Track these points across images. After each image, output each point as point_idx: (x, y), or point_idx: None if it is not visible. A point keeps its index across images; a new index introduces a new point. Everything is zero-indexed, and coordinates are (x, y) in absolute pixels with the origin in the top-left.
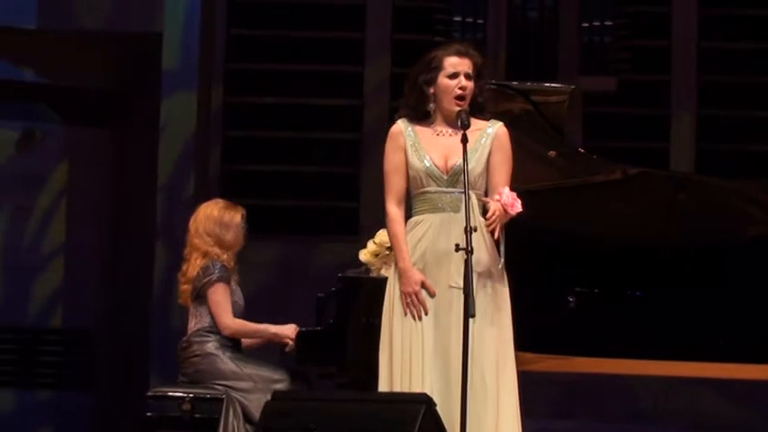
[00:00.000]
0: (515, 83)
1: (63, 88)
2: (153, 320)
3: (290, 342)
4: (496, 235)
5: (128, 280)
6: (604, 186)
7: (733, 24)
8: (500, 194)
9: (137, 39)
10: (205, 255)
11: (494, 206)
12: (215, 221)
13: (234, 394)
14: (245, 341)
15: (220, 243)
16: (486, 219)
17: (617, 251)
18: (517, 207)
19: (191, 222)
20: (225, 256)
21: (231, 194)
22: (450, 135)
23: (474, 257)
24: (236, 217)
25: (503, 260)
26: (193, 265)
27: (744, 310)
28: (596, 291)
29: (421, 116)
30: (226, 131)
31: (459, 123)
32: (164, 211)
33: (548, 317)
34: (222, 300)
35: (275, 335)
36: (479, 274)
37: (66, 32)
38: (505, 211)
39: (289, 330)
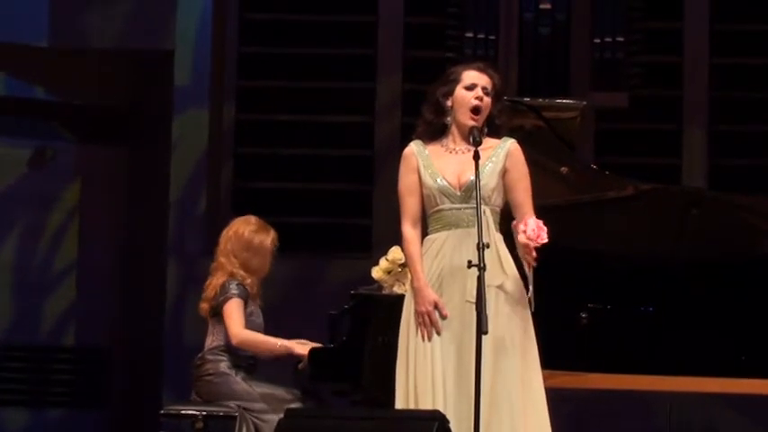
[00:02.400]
0: (527, 99)
1: (75, 106)
2: (165, 338)
3: (303, 355)
4: (528, 270)
5: (140, 298)
6: (617, 202)
7: (745, 40)
8: (525, 225)
9: (148, 56)
10: (230, 275)
11: (522, 243)
12: (244, 245)
13: (247, 414)
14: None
15: (246, 267)
16: (521, 256)
17: (629, 267)
18: (543, 238)
19: (222, 235)
20: (249, 281)
21: (243, 211)
22: (463, 152)
23: (488, 273)
24: (266, 241)
25: (531, 289)
26: (213, 285)
27: (757, 325)
28: (609, 307)
29: (436, 132)
30: (237, 148)
31: (470, 140)
32: (175, 228)
33: (560, 333)
34: (235, 313)
35: (284, 348)
36: (496, 289)
37: (77, 50)
38: (529, 245)
39: (299, 348)
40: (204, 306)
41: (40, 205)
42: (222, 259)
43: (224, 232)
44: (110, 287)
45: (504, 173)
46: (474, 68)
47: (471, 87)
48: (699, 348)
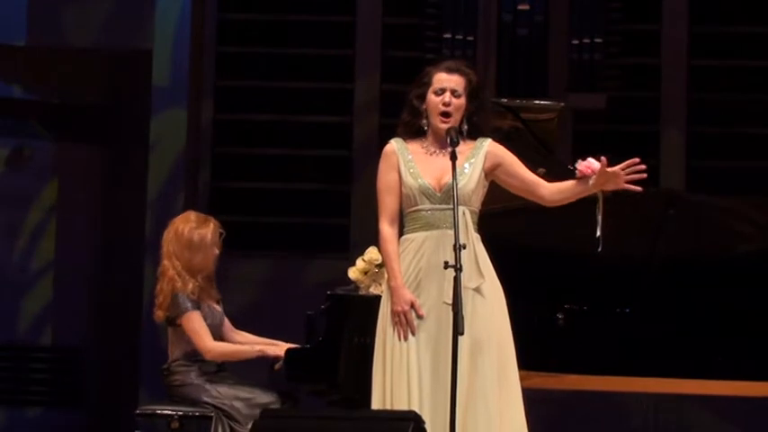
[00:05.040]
0: (505, 100)
1: (53, 105)
2: (142, 337)
3: (278, 356)
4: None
5: (117, 297)
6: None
7: (722, 42)
8: (584, 165)
9: (127, 55)
10: (171, 279)
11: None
12: (185, 244)
13: (222, 415)
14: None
15: (189, 268)
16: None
17: (606, 268)
18: (593, 164)
19: (163, 237)
20: (190, 285)
21: (220, 211)
22: (443, 155)
23: (465, 274)
24: (207, 235)
25: (599, 229)
26: (164, 292)
27: (734, 326)
28: (585, 308)
29: (415, 133)
30: (216, 148)
31: (448, 141)
32: (153, 228)
33: (536, 334)
34: (198, 326)
35: (258, 353)
36: (473, 291)
37: (55, 49)
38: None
39: (273, 350)
40: (159, 314)
41: (17, 204)
42: (165, 262)
43: (165, 234)
44: (87, 286)
45: (493, 169)
46: (443, 70)
47: (440, 92)
48: (676, 349)
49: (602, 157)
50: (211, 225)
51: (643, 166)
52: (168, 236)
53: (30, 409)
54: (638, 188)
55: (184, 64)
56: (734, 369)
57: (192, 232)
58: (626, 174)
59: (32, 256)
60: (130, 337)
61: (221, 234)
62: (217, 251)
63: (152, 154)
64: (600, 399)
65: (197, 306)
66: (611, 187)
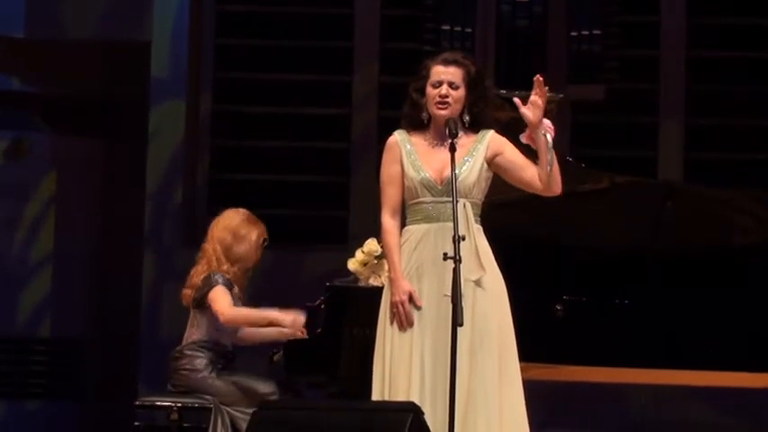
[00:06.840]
0: (503, 91)
1: (51, 97)
2: (141, 330)
3: (292, 334)
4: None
5: (116, 289)
6: (592, 195)
7: (721, 33)
8: (525, 140)
9: (125, 47)
10: (209, 263)
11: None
12: (231, 231)
13: (222, 406)
14: (243, 335)
15: (228, 254)
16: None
17: (605, 259)
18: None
19: (211, 225)
20: (225, 266)
21: (219, 203)
22: (445, 147)
23: (465, 266)
24: (252, 233)
25: (553, 165)
26: (198, 272)
27: (732, 318)
28: (584, 299)
29: (417, 125)
30: (214, 140)
31: (446, 132)
32: (152, 220)
33: (535, 325)
34: (221, 295)
35: (274, 320)
36: (474, 284)
37: (54, 41)
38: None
39: (288, 318)
40: (188, 292)
41: (16, 196)
42: (207, 245)
43: (213, 221)
44: (86, 278)
45: (493, 158)
46: (440, 62)
47: (437, 84)
48: (675, 341)
49: (515, 99)
50: (260, 227)
51: (542, 79)
52: (216, 221)
53: (29, 401)
54: (555, 95)
55: (183, 56)
56: (733, 361)
57: (241, 223)
58: (538, 96)
59: (31, 248)
60: (129, 329)
61: (265, 240)
62: (256, 257)
63: (150, 146)
64: (600, 390)
65: (229, 285)
66: (538, 114)
